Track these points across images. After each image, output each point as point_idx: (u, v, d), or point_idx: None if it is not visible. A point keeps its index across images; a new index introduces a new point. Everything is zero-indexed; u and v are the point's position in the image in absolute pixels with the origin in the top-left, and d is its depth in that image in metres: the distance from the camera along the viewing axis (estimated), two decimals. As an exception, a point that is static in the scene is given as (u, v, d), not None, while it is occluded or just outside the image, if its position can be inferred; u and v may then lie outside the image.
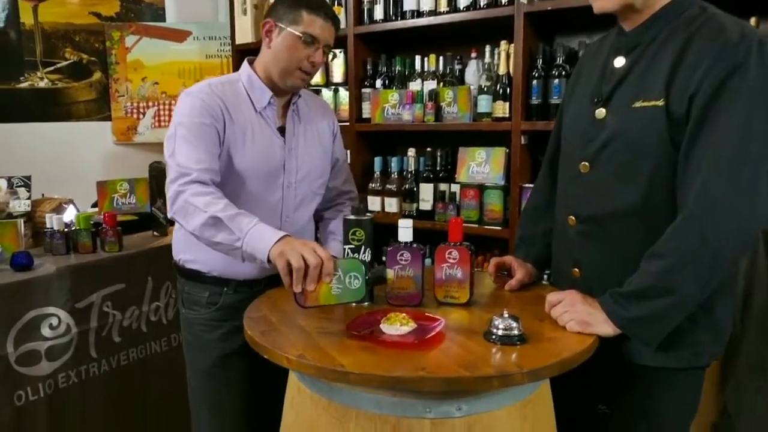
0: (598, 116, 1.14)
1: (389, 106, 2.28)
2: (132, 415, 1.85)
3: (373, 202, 2.36)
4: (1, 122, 2.66)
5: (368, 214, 1.23)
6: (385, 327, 1.03)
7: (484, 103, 2.06)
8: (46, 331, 1.63)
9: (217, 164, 1.26)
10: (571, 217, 1.20)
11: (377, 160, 2.35)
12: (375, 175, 2.37)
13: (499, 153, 2.09)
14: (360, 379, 0.87)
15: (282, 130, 1.37)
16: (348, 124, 2.41)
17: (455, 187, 2.17)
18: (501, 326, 0.99)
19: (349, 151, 2.43)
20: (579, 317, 1.04)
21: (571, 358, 0.94)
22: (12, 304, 1.56)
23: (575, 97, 1.25)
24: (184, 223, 1.20)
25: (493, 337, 0.99)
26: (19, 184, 1.99)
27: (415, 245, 1.19)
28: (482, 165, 2.12)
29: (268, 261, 1.09)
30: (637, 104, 1.07)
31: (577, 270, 1.19)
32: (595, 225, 1.15)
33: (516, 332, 0.99)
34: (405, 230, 1.18)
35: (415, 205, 2.25)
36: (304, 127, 1.42)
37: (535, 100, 1.95)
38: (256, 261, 1.12)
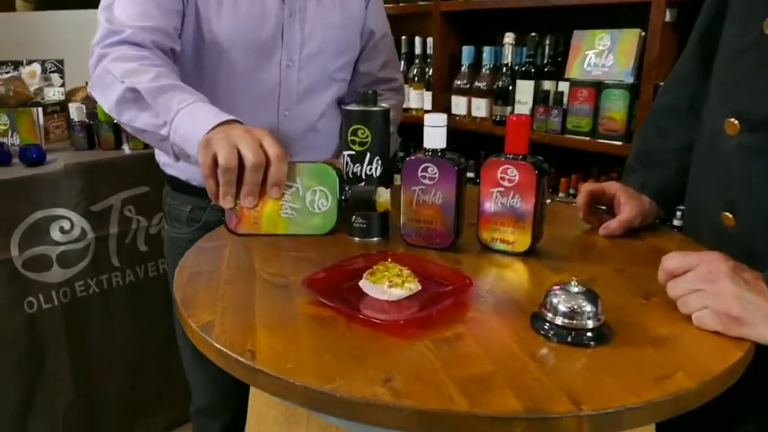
0: None
1: (484, -25, 1.73)
2: (162, 330, 1.67)
3: (458, 104, 1.88)
4: (61, 8, 2.48)
5: (382, 105, 0.79)
6: (366, 285, 0.63)
7: (614, -37, 1.45)
8: (56, 235, 1.45)
9: (174, 25, 0.88)
10: (731, 120, 0.68)
11: (466, 51, 1.85)
12: (462, 70, 1.87)
13: (630, 37, 1.48)
14: (271, 384, 0.49)
15: None
16: (432, 2, 1.90)
17: (563, 86, 1.61)
18: (562, 307, 0.55)
19: (432, 39, 1.96)
20: (720, 304, 0.55)
21: (694, 392, 0.47)
22: (14, 202, 1.38)
23: None
24: (102, 101, 0.85)
25: (546, 327, 0.55)
26: (53, 69, 1.79)
27: (448, 156, 0.74)
28: (604, 55, 1.53)
29: None
30: None
31: (730, 215, 0.69)
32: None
33: (588, 322, 0.54)
34: (433, 131, 0.74)
35: (509, 108, 1.74)
36: None
37: (694, -47, 1.31)
38: (191, 160, 0.75)
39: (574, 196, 1.69)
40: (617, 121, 1.48)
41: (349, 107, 0.78)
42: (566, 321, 0.54)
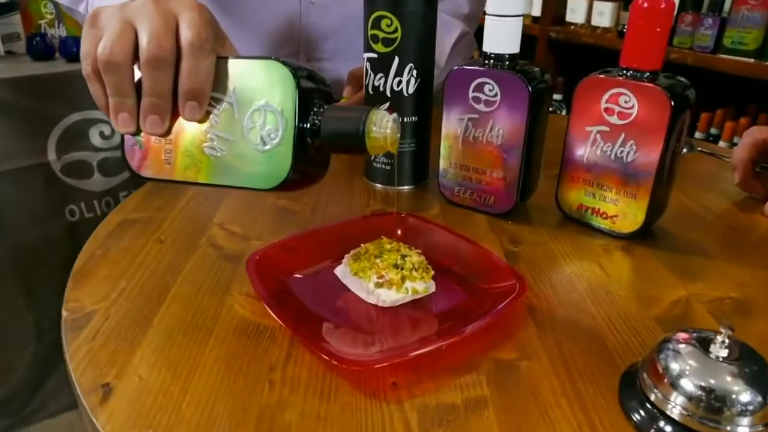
0: None
1: None
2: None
3: (575, 9, 1.49)
4: None
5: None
6: (346, 275, 0.39)
7: None
8: (96, 141, 1.33)
9: None
10: None
11: (594, -64, 1.43)
12: (585, -37, 1.46)
13: None
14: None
15: None
16: None
17: (726, -15, 1.18)
18: (688, 385, 0.27)
19: None
20: None
21: None
22: (50, 102, 1.25)
23: None
24: None
25: (646, 414, 0.28)
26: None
27: (519, 68, 0.46)
28: (797, -62, 1.08)
29: None
30: None
31: None
32: None
33: (740, 427, 0.26)
34: (499, 24, 0.45)
35: (642, 16, 1.33)
36: None
37: None
38: None
39: (716, 139, 1.30)
40: (801, 37, 1.06)
41: (371, -17, 0.50)
42: (695, 415, 0.27)
